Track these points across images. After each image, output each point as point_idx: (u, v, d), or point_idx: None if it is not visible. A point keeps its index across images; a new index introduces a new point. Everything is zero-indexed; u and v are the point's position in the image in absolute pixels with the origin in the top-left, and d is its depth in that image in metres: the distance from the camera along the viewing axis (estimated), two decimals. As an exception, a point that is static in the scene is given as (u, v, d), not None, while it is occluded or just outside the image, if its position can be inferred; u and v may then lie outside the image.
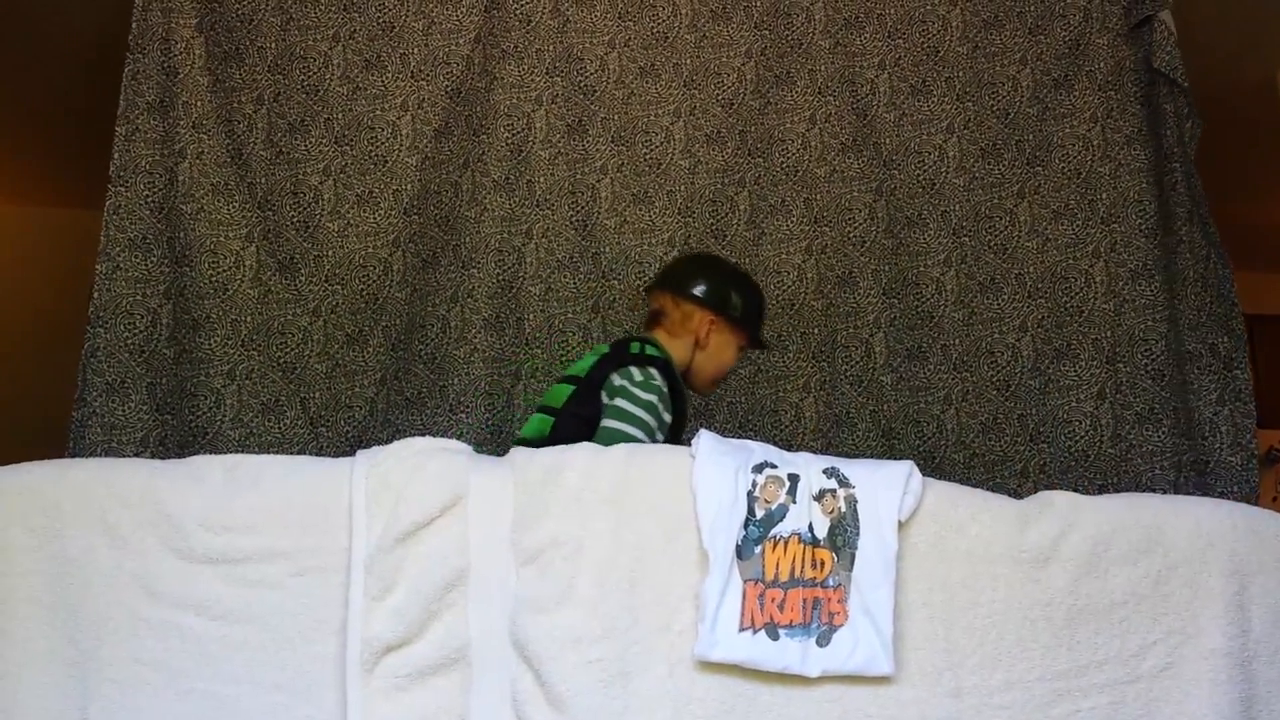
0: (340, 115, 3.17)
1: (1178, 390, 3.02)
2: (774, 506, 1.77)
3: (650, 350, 2.36)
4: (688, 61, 3.32)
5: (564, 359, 3.10)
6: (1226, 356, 2.99)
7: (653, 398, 2.24)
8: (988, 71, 3.33)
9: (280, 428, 2.92)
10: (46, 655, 1.71)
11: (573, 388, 2.33)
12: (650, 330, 2.47)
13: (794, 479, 1.79)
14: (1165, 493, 2.83)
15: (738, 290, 2.47)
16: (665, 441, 2.23)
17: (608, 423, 2.22)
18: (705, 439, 1.86)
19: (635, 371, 2.27)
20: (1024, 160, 3.26)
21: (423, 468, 1.77)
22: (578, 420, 2.26)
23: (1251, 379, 3.01)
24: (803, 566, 1.74)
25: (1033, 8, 3.35)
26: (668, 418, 2.27)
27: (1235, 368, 2.98)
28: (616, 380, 2.27)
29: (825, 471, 1.81)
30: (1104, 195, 3.18)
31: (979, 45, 3.34)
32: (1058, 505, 1.84)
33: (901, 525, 1.76)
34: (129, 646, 1.71)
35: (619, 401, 2.23)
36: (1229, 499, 2.56)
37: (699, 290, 2.44)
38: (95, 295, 2.85)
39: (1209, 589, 1.78)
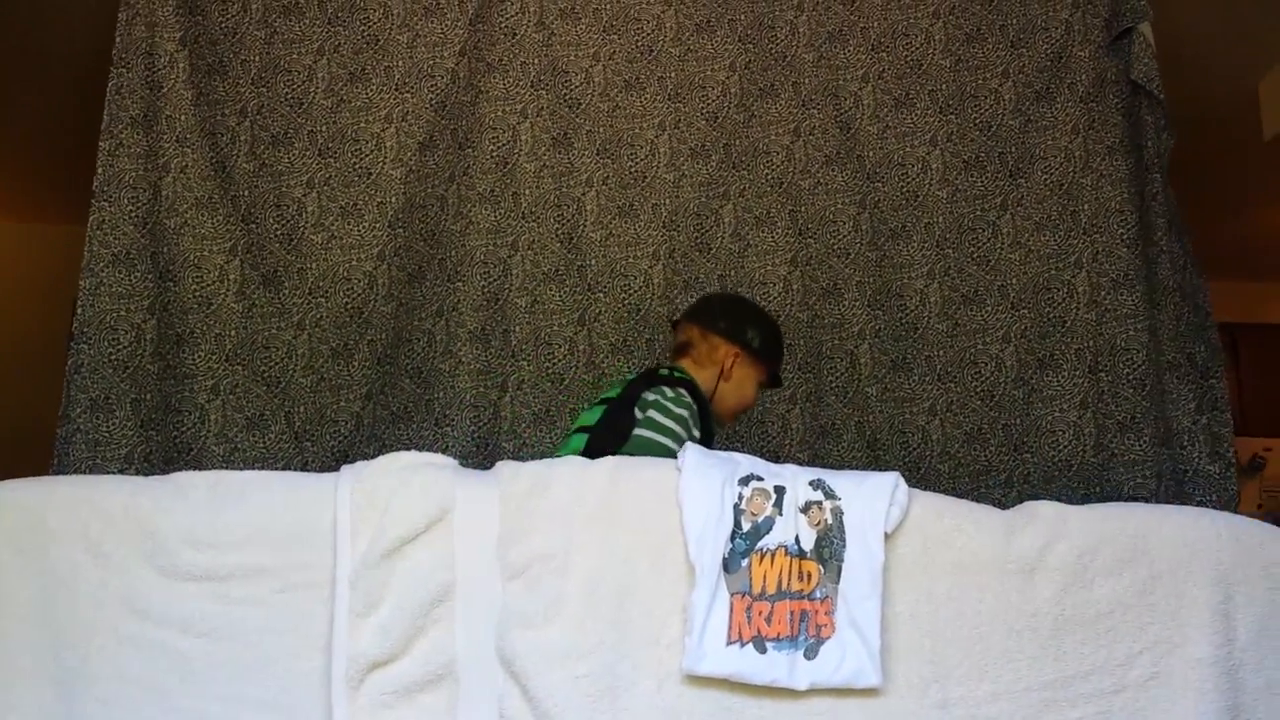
0: (324, 128, 3.16)
1: (1158, 399, 3.03)
2: (760, 519, 1.78)
3: (678, 374, 2.48)
4: (672, 75, 3.33)
5: (551, 371, 3.10)
6: (1203, 366, 3.01)
7: (684, 412, 2.34)
8: (970, 84, 3.34)
9: (265, 443, 2.91)
10: (31, 673, 1.70)
11: (605, 407, 2.42)
12: (677, 360, 2.59)
13: (780, 491, 1.80)
14: (1148, 501, 2.85)
15: (759, 327, 2.59)
16: None
17: (640, 432, 2.30)
18: (691, 452, 1.86)
19: (667, 389, 2.38)
20: (1006, 172, 3.27)
21: (408, 482, 1.77)
22: (612, 434, 2.33)
23: (1229, 388, 3.03)
24: (789, 579, 1.74)
25: (1014, 21, 3.37)
26: (696, 434, 2.36)
27: (1212, 377, 3.00)
28: (650, 396, 2.37)
29: (811, 483, 1.81)
30: (1086, 206, 3.20)
31: (961, 58, 3.36)
32: (1043, 515, 1.84)
33: (888, 537, 1.76)
34: (114, 664, 1.70)
35: (652, 413, 2.32)
36: (1207, 508, 2.57)
37: (725, 323, 2.56)
38: (79, 311, 2.83)
39: (1194, 598, 1.78)
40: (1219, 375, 3.01)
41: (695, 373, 2.52)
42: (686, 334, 2.60)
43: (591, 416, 2.43)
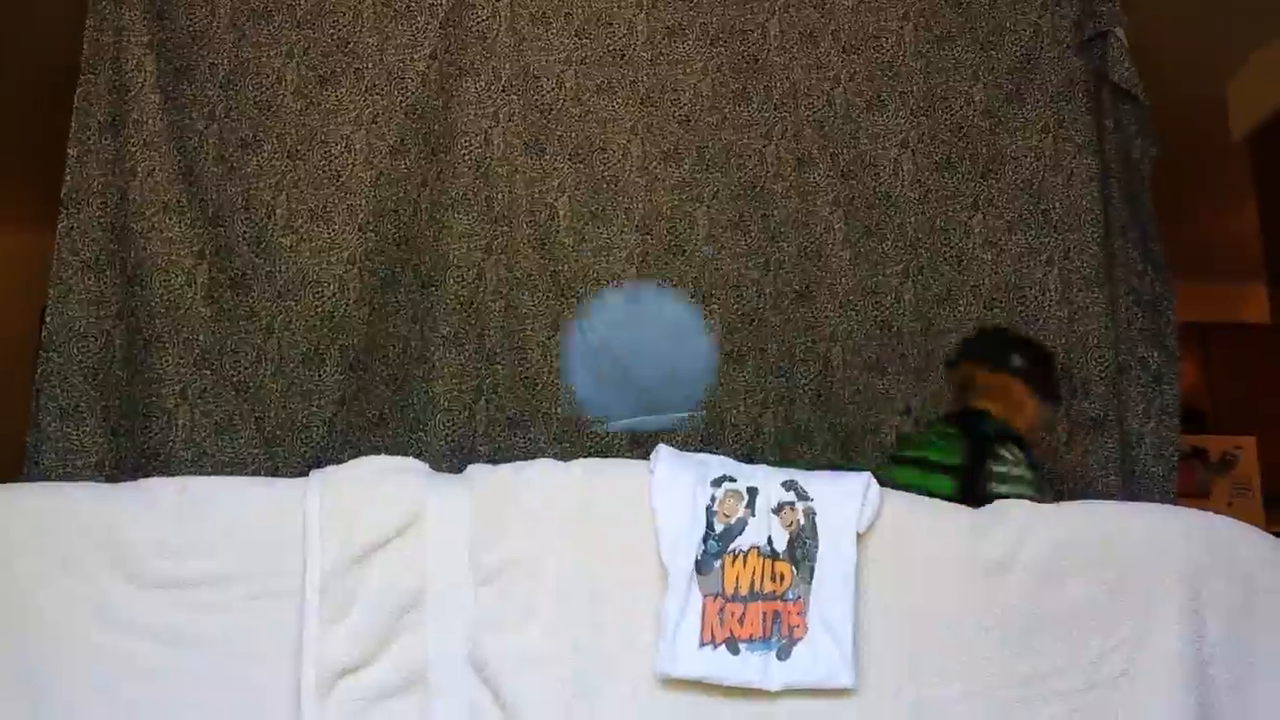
0: (293, 131, 3.14)
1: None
2: (733, 520, 1.77)
3: (1000, 427, 2.63)
4: (644, 78, 3.33)
5: (525, 376, 3.10)
6: (1157, 371, 3.05)
7: (1030, 461, 2.54)
8: (941, 86, 3.35)
9: (234, 448, 2.89)
10: (-3, 684, 1.68)
11: (955, 481, 2.50)
12: (967, 399, 2.77)
13: (753, 492, 1.80)
14: (1116, 498, 2.87)
15: (1023, 352, 2.79)
16: None
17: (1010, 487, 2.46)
18: (664, 454, 1.86)
19: (1011, 452, 2.54)
20: (977, 172, 3.29)
21: (378, 487, 1.76)
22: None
23: (1180, 394, 3.07)
24: (762, 580, 1.74)
25: (984, 23, 3.38)
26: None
27: (1165, 383, 3.04)
28: (998, 469, 2.51)
29: (784, 484, 1.81)
30: (1056, 204, 3.22)
31: (932, 60, 3.37)
32: (1013, 515, 1.85)
33: (860, 537, 1.76)
34: (82, 673, 1.68)
35: (1010, 487, 2.46)
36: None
37: (994, 357, 2.77)
38: (48, 319, 2.81)
39: (1164, 595, 1.79)
40: (1172, 381, 3.06)
41: (986, 407, 2.69)
42: (965, 373, 2.81)
43: (942, 485, 2.46)
